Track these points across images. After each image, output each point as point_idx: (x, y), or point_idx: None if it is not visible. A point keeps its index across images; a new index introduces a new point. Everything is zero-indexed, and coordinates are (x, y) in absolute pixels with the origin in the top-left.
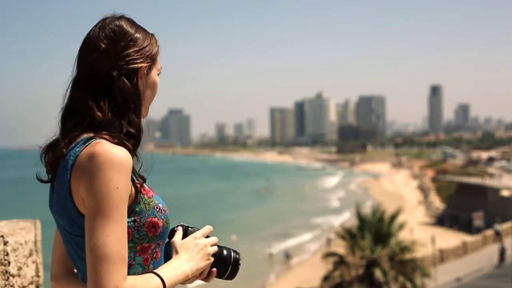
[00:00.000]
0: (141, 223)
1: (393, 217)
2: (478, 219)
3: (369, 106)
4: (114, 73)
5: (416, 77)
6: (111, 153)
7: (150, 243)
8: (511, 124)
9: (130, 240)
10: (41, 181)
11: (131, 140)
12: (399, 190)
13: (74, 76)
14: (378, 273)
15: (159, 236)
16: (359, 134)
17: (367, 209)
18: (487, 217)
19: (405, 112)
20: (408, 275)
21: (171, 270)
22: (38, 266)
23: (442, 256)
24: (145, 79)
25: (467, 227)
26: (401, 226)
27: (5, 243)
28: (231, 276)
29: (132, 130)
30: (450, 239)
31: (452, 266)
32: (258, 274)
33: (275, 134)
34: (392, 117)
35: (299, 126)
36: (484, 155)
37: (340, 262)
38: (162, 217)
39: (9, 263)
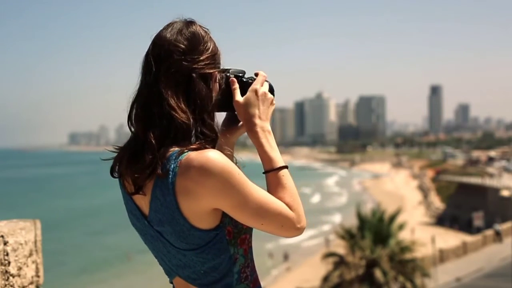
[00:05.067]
0: None
1: (393, 217)
2: (478, 219)
3: (369, 106)
4: (194, 75)
5: (416, 77)
6: (211, 159)
7: (246, 234)
8: (511, 124)
9: (231, 238)
10: (132, 193)
11: (210, 144)
12: (399, 190)
13: (148, 78)
14: (378, 273)
15: None
16: (359, 134)
17: (367, 209)
18: (487, 217)
19: (405, 112)
20: (408, 275)
21: (273, 147)
22: (38, 266)
23: (442, 256)
24: (215, 85)
25: (467, 227)
26: (401, 226)
27: (5, 243)
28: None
29: (208, 132)
30: (450, 239)
31: (452, 266)
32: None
33: (275, 134)
34: (392, 117)
35: (299, 126)
36: (484, 155)
37: (340, 262)
38: None
39: (9, 263)
